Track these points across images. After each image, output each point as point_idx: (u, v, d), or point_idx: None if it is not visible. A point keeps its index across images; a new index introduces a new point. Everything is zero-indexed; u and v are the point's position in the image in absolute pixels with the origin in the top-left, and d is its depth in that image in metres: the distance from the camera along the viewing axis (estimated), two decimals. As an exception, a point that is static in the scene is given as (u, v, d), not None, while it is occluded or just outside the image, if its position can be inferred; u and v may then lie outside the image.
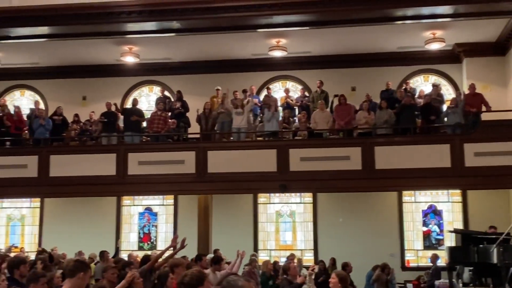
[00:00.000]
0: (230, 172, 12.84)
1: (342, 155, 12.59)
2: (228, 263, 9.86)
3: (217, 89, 14.81)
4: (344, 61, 15.77)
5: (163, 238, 16.21)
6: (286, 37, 14.48)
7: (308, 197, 15.93)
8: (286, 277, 8.10)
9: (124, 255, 14.00)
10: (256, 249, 15.38)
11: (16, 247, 15.18)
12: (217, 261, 8.81)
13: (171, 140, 14.05)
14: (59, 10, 12.76)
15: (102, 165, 13.26)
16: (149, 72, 16.74)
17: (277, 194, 15.61)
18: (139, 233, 16.40)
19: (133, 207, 16.60)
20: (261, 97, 15.49)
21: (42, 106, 16.08)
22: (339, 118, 13.40)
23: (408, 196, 15.64)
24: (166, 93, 16.26)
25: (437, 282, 12.28)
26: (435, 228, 15.54)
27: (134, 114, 14.06)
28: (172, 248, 7.74)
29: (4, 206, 16.89)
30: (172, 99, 15.41)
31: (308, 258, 15.25)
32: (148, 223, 16.41)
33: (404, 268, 15.07)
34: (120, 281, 6.25)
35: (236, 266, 9.38)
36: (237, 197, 15.46)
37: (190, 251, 10.50)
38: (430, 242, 15.48)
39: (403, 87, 14.95)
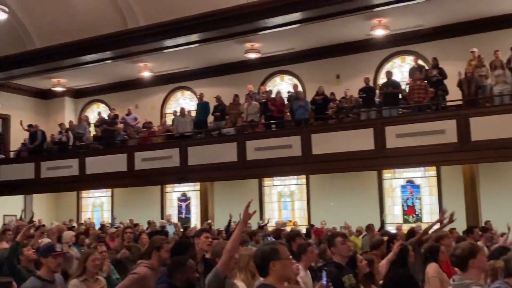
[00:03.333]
0: (497, 139, 11.88)
1: None
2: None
3: (472, 51, 13.83)
4: None
5: (428, 210, 15.85)
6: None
7: None
8: None
9: (389, 228, 14.11)
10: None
11: (290, 221, 16.43)
12: (485, 229, 8.37)
13: (429, 109, 13.61)
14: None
15: (360, 140, 13.46)
16: (400, 42, 16.39)
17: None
18: (403, 206, 16.28)
19: (394, 180, 16.54)
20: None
21: (300, 88, 16.95)
22: None
23: None
24: (420, 61, 15.74)
25: None
26: None
27: (390, 87, 13.97)
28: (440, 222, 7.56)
29: (275, 184, 18.34)
30: (427, 67, 14.86)
31: None
32: (411, 196, 16.19)
33: None
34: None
35: (510, 239, 8.74)
36: (506, 165, 14.24)
37: (459, 224, 10.03)
38: None
39: None
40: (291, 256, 3.53)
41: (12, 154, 19.67)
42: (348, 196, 16.23)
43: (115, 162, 16.55)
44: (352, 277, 4.87)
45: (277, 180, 18.22)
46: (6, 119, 20.89)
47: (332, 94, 15.59)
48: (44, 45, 16.82)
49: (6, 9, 12.85)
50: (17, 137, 19.74)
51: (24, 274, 5.85)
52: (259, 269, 3.40)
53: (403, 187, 16.37)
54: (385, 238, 7.24)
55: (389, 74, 14.71)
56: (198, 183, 17.98)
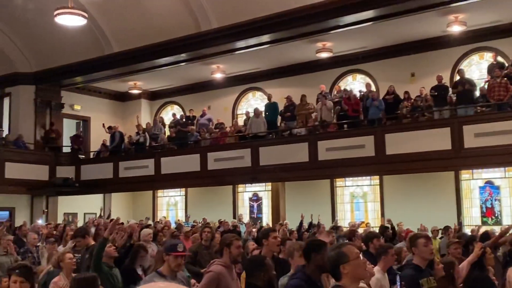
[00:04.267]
0: None
1: None
2: None
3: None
4: None
5: (508, 212, 15.21)
6: None
7: None
8: None
9: (467, 230, 13.65)
10: None
11: (362, 222, 16.19)
12: None
13: (509, 108, 13.07)
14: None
15: (436, 140, 13.11)
16: (478, 38, 15.82)
17: None
18: (482, 207, 15.69)
19: (473, 181, 15.98)
20: None
21: (373, 87, 16.69)
22: None
23: None
24: (499, 58, 15.12)
25: None
26: None
27: (465, 84, 13.56)
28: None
29: (347, 185, 18.14)
30: (507, 64, 14.27)
31: None
32: (490, 197, 15.57)
33: None
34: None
35: None
36: None
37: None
38: None
39: None
40: (360, 254, 3.48)
41: (92, 155, 20.51)
42: (424, 197, 15.81)
43: (189, 162, 16.91)
44: (432, 280, 4.75)
45: (349, 181, 18.02)
46: (86, 121, 21.82)
47: (406, 92, 15.26)
48: (121, 49, 17.40)
49: (86, 15, 13.38)
50: (97, 138, 20.57)
51: (105, 270, 6.07)
52: (332, 274, 3.40)
53: (481, 188, 15.78)
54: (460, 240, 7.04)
55: (461, 72, 14.30)
56: (270, 183, 18.05)
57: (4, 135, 19.01)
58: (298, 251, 4.76)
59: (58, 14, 12.98)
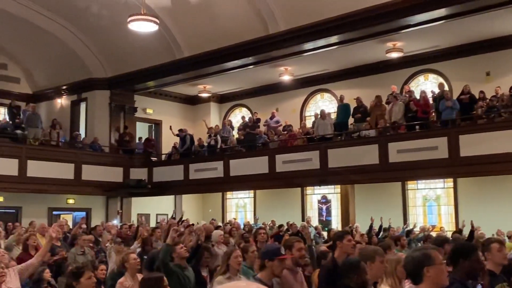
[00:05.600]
0: None
1: None
2: None
3: None
4: None
5: None
6: None
7: None
8: None
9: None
10: None
11: (434, 226, 15.73)
12: None
13: None
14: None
15: (514, 141, 12.57)
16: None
17: None
18: None
19: (554, 184, 15.18)
20: None
21: (446, 87, 16.19)
22: None
23: None
24: None
25: None
26: None
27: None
28: None
29: (419, 187, 17.67)
30: None
31: None
32: None
33: None
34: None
35: None
36: None
37: None
38: None
39: None
40: (444, 261, 3.38)
41: (163, 157, 21.00)
42: (500, 201, 15.18)
43: (257, 165, 16.99)
44: (507, 286, 4.56)
45: (421, 184, 17.55)
46: (158, 124, 22.39)
47: (482, 92, 14.72)
48: (192, 54, 17.72)
49: (157, 21, 13.73)
50: (168, 141, 21.06)
51: (177, 272, 6.17)
52: (411, 276, 3.29)
53: None
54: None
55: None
56: (339, 186, 17.87)
57: (81, 139, 19.78)
58: (380, 256, 4.68)
59: (131, 20, 13.39)
